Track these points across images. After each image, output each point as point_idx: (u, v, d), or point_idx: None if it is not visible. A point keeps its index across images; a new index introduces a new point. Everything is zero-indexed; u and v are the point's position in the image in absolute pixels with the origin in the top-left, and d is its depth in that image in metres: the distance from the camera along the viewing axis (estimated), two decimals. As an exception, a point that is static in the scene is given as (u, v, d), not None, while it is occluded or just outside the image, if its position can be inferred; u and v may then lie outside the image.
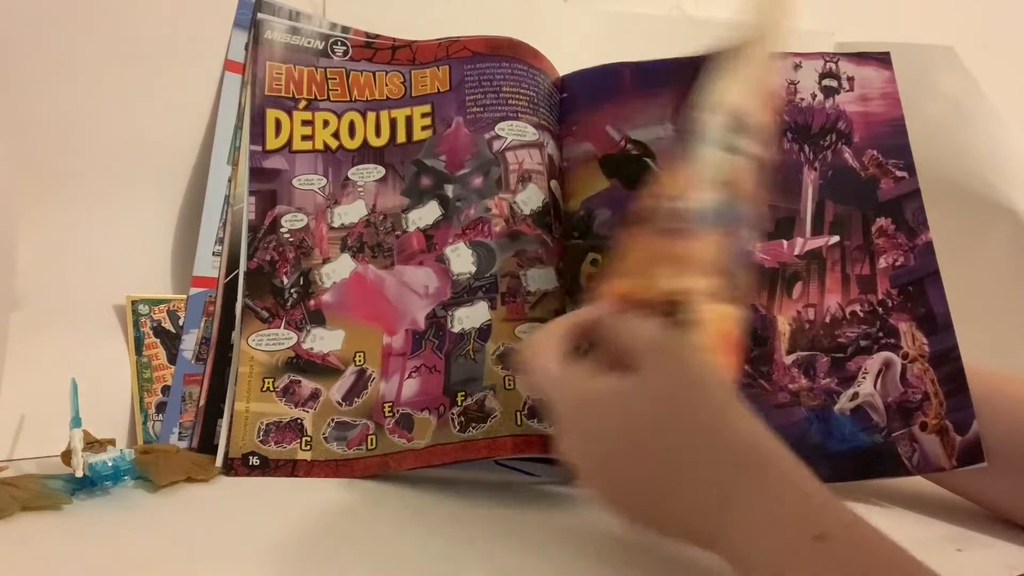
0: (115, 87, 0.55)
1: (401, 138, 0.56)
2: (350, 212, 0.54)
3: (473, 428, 0.48)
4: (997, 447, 0.47)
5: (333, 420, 0.50)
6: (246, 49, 0.57)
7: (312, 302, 0.52)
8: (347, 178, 0.55)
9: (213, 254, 0.55)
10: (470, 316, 0.51)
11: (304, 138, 0.55)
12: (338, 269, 0.53)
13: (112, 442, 0.46)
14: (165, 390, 0.53)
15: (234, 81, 0.58)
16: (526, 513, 0.45)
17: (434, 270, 0.53)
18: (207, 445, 0.51)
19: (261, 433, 0.49)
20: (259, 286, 0.52)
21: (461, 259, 0.53)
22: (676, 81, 0.56)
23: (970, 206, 0.65)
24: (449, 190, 0.54)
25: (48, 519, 0.40)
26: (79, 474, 0.42)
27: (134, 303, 0.54)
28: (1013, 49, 0.83)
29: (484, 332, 0.51)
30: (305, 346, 0.52)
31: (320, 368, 0.51)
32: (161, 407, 0.53)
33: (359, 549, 0.39)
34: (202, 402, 0.52)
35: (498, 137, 0.55)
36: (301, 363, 0.51)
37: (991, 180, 0.65)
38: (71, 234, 0.54)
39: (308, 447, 0.49)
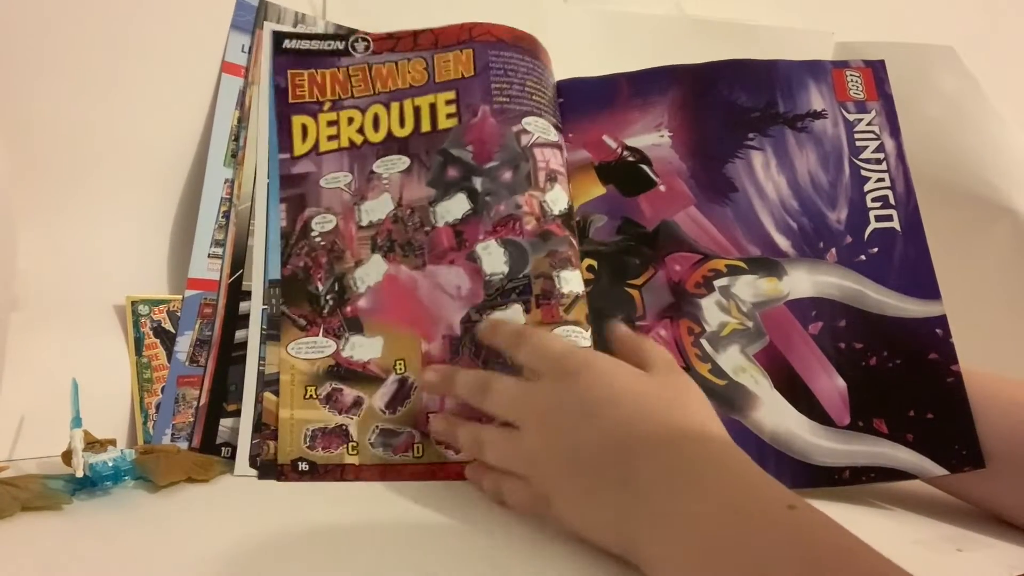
0: (114, 88, 0.55)
1: (426, 127, 0.54)
2: (377, 208, 0.53)
3: None
4: (996, 450, 0.47)
5: (377, 427, 0.50)
6: (247, 52, 0.57)
7: (348, 308, 0.52)
8: (372, 171, 0.54)
9: (209, 256, 0.55)
10: (504, 319, 0.50)
11: (330, 138, 0.55)
12: (371, 272, 0.52)
13: (113, 442, 0.46)
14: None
15: (231, 83, 0.58)
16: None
17: (465, 270, 0.51)
18: (209, 445, 0.51)
19: (308, 439, 0.49)
20: (295, 293, 0.52)
21: (493, 258, 0.51)
22: (670, 87, 0.56)
23: (970, 206, 0.65)
24: (477, 183, 0.52)
25: (48, 519, 0.40)
26: (79, 474, 0.42)
27: (134, 303, 0.54)
28: (1013, 49, 0.83)
29: None
30: (344, 354, 0.51)
31: (361, 376, 0.50)
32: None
33: (359, 550, 0.39)
34: (203, 402, 0.52)
35: (525, 131, 0.53)
36: (342, 371, 0.51)
37: (991, 180, 0.65)
38: (71, 234, 0.54)
39: (355, 452, 0.49)
